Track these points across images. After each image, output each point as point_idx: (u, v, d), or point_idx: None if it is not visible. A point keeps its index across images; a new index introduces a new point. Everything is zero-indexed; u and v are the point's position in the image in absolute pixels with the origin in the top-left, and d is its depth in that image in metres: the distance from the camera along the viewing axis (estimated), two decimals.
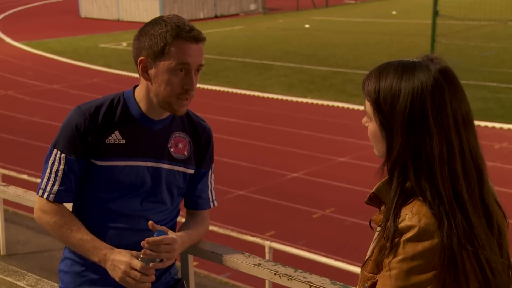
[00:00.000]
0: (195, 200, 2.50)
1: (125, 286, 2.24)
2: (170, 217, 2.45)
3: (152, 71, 2.25)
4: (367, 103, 1.70)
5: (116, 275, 2.23)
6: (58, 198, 2.33)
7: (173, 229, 2.48)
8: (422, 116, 1.60)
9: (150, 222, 2.24)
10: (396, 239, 1.60)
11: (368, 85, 1.68)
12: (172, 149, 2.37)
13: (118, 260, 2.22)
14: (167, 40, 2.20)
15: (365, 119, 1.74)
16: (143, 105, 2.32)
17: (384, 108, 1.64)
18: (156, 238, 2.21)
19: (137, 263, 2.20)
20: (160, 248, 2.21)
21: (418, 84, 1.61)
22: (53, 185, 2.31)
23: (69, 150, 2.29)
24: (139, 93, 2.33)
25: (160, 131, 2.35)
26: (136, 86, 2.37)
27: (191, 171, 2.43)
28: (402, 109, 1.61)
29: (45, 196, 2.32)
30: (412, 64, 1.66)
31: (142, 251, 2.21)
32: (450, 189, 1.59)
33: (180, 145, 2.39)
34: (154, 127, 2.34)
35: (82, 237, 2.28)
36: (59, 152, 2.30)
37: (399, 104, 1.62)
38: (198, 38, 2.23)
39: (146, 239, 2.21)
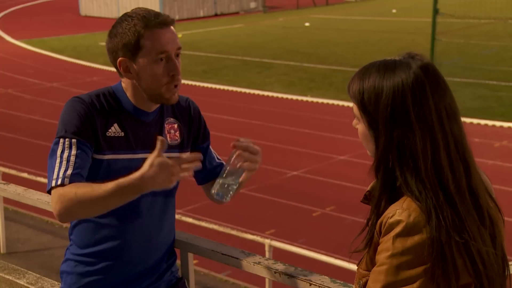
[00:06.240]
0: (211, 169, 2.48)
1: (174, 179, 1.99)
2: (170, 202, 2.44)
3: (134, 69, 2.23)
4: (354, 105, 1.72)
5: (160, 182, 1.97)
6: (74, 181, 2.10)
7: (172, 214, 2.48)
8: (403, 112, 1.62)
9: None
10: (386, 235, 1.61)
11: (353, 87, 1.71)
12: (166, 137, 2.36)
13: (147, 169, 1.96)
14: (139, 33, 2.17)
15: (354, 121, 1.76)
16: (133, 100, 2.30)
17: (369, 108, 1.67)
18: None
19: (161, 159, 1.96)
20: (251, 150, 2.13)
21: (398, 81, 1.63)
22: (65, 171, 2.11)
23: (79, 134, 2.18)
24: (127, 90, 2.31)
25: (153, 122, 2.35)
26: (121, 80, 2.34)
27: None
28: (384, 107, 1.63)
29: (59, 182, 2.09)
30: (393, 62, 1.68)
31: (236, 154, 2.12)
32: (436, 183, 1.59)
33: (172, 131, 2.39)
34: (148, 118, 2.33)
35: (107, 186, 2.02)
36: (67, 139, 2.16)
37: (382, 102, 1.64)
38: (167, 22, 2.21)
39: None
